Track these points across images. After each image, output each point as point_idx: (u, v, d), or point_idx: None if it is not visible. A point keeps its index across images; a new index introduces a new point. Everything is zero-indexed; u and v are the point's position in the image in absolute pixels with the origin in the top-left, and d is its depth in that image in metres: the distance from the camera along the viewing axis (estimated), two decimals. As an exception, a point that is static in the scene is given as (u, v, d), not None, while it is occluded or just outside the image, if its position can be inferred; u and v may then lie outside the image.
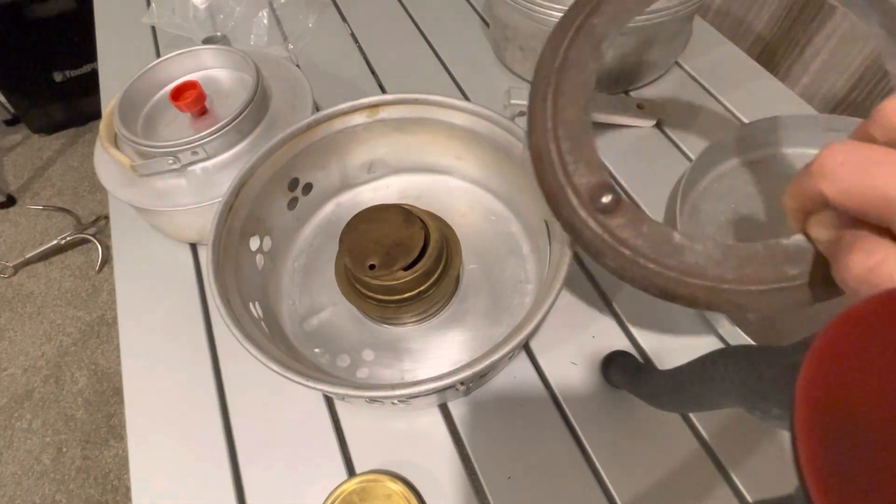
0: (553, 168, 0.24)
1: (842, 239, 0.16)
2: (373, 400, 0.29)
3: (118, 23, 0.61)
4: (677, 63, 0.52)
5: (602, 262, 0.23)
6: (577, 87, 0.25)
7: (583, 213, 0.23)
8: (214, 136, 0.36)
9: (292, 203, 0.35)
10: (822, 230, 0.17)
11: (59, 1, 1.34)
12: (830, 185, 0.15)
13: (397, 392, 0.24)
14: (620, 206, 0.23)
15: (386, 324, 0.35)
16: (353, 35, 0.58)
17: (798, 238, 0.20)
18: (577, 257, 0.31)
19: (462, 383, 0.25)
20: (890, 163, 0.14)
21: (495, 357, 0.24)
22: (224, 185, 0.32)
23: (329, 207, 0.39)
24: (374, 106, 0.35)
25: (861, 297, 0.14)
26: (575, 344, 0.35)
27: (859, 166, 0.15)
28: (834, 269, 0.16)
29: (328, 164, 0.35)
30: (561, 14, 0.43)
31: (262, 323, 0.31)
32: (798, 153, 0.41)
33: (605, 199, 0.23)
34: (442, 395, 0.33)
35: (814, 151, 0.41)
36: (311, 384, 0.25)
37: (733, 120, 0.47)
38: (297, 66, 0.55)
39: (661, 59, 0.49)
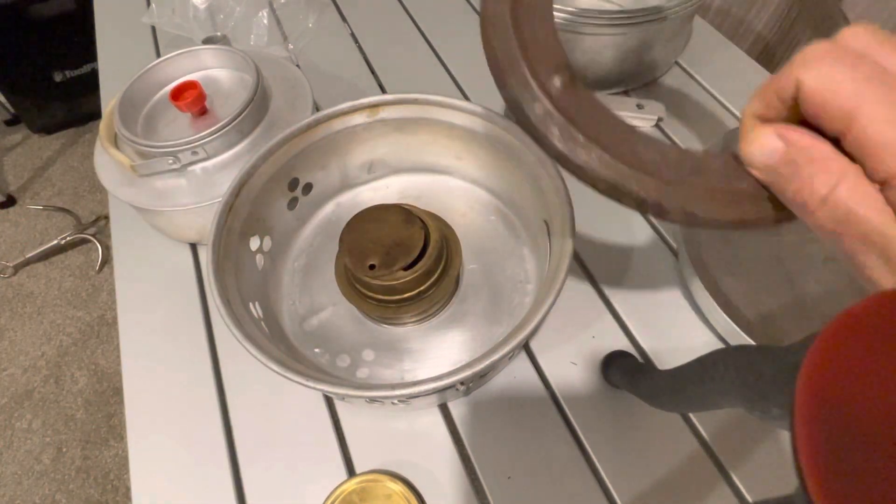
0: (506, 34, 0.21)
1: (794, 159, 0.17)
2: (373, 400, 0.29)
3: (118, 23, 0.61)
4: (677, 63, 0.52)
5: (549, 146, 0.20)
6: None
7: (534, 86, 0.21)
8: (214, 136, 0.36)
9: (292, 203, 0.35)
10: (775, 141, 0.17)
11: (59, 1, 1.34)
12: (808, 73, 0.16)
13: (397, 392, 0.24)
14: (577, 86, 0.21)
15: (386, 324, 0.35)
16: (353, 35, 0.58)
17: None
18: (577, 257, 0.31)
19: (462, 383, 0.25)
20: (871, 64, 0.15)
21: (495, 357, 0.24)
22: (224, 185, 0.32)
23: (329, 207, 0.39)
24: (374, 106, 0.35)
25: (815, 222, 0.16)
26: (575, 344, 0.35)
27: (843, 59, 0.16)
28: (787, 190, 0.17)
29: (328, 164, 0.35)
30: (561, 14, 0.43)
31: (262, 323, 0.31)
32: (798, 153, 0.41)
33: (560, 76, 0.21)
34: (442, 395, 0.33)
35: (814, 151, 0.41)
36: (311, 384, 0.25)
37: (733, 120, 0.47)
38: (297, 66, 0.55)
39: (661, 59, 0.49)
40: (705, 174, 0.20)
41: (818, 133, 0.17)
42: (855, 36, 0.17)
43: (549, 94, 0.21)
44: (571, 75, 0.21)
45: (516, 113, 0.21)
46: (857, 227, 0.16)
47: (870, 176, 0.16)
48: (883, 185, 0.16)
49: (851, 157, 0.16)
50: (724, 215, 0.19)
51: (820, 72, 0.16)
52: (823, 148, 0.16)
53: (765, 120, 0.18)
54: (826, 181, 0.16)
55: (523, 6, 0.22)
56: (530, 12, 0.22)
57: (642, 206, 0.20)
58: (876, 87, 0.15)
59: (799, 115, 0.18)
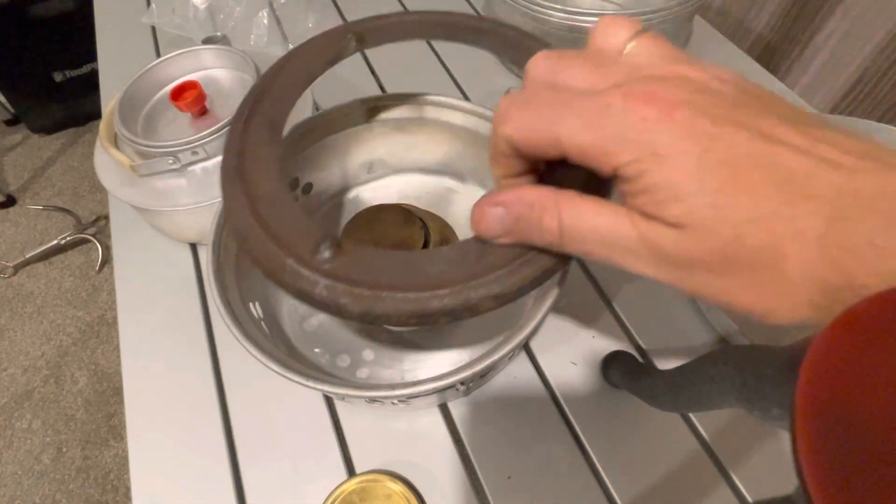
0: (264, 244, 0.23)
1: (520, 215, 0.19)
2: (373, 400, 0.29)
3: (118, 23, 0.61)
4: (677, 63, 0.52)
5: (347, 312, 0.21)
6: (263, 163, 0.25)
7: (307, 273, 0.22)
8: (214, 136, 0.36)
9: (292, 203, 0.35)
10: (495, 210, 0.20)
11: (59, 1, 1.34)
12: (507, 128, 0.19)
13: (397, 392, 0.24)
14: (342, 249, 0.22)
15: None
16: (353, 35, 0.58)
17: None
18: (576, 259, 0.31)
19: (462, 383, 0.25)
20: (549, 90, 0.18)
21: (495, 357, 0.24)
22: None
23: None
24: (374, 106, 0.35)
25: (576, 252, 0.19)
26: (575, 344, 0.35)
27: (526, 102, 0.18)
28: (533, 241, 0.20)
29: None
30: (561, 14, 0.43)
31: (262, 323, 0.31)
32: (798, 153, 0.41)
33: (325, 251, 0.22)
34: (442, 395, 0.33)
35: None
36: (311, 384, 0.25)
37: (733, 120, 0.47)
38: (297, 66, 0.54)
39: (661, 59, 0.49)
40: (491, 254, 0.22)
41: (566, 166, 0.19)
42: (536, 67, 0.19)
43: (322, 271, 0.22)
44: (333, 239, 0.22)
45: (305, 301, 0.22)
46: (594, 239, 0.18)
47: (603, 174, 0.18)
48: (617, 178, 0.17)
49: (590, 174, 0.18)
50: (523, 281, 0.21)
51: (514, 123, 0.18)
52: (533, 191, 0.19)
53: (515, 176, 0.21)
54: (551, 216, 0.18)
55: (258, 196, 0.24)
56: (266, 201, 0.24)
57: (455, 318, 0.21)
58: (560, 108, 0.18)
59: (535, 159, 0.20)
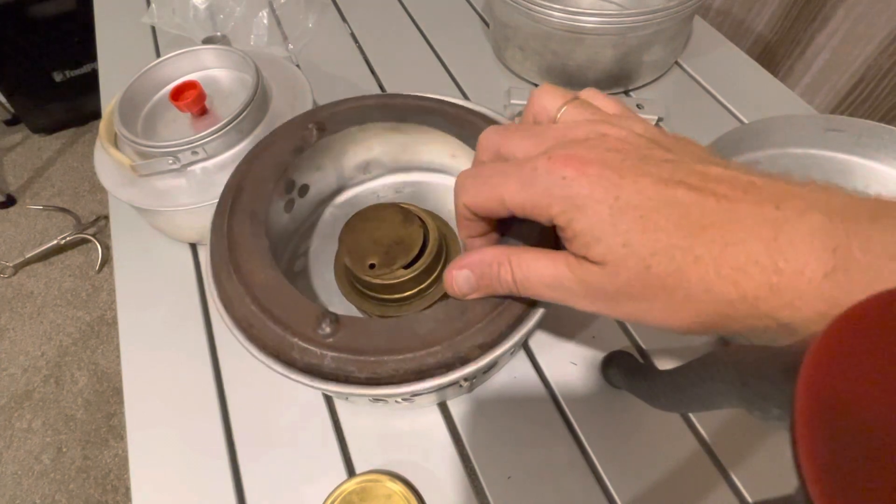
0: (268, 328, 0.25)
1: (482, 273, 0.24)
2: (376, 399, 0.29)
3: (118, 23, 0.61)
4: (677, 63, 0.52)
5: (354, 378, 0.24)
6: (253, 255, 0.27)
7: (313, 349, 0.24)
8: (214, 136, 0.36)
9: (289, 205, 0.35)
10: (461, 272, 0.24)
11: (59, 1, 1.34)
12: (465, 197, 0.23)
13: (401, 389, 0.24)
14: (341, 323, 0.25)
15: (386, 324, 0.35)
16: (353, 35, 0.58)
17: None
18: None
19: (465, 379, 0.26)
20: (494, 174, 0.22)
21: (498, 352, 0.24)
22: (224, 185, 0.32)
23: (326, 208, 0.39)
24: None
25: (529, 297, 0.23)
26: (575, 344, 0.35)
27: (477, 176, 0.23)
28: (499, 293, 0.24)
29: (324, 165, 0.35)
30: (561, 14, 0.43)
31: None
32: (798, 153, 0.41)
33: (326, 326, 0.25)
34: (443, 394, 0.33)
35: (814, 151, 0.41)
36: (312, 383, 0.24)
37: (733, 120, 0.47)
38: (297, 66, 0.55)
39: (661, 59, 0.49)
40: (470, 310, 0.25)
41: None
42: (486, 139, 0.24)
43: (326, 345, 0.24)
44: (332, 315, 0.25)
45: (315, 374, 0.24)
46: (542, 284, 0.22)
47: (546, 224, 0.21)
48: (555, 227, 0.21)
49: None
50: (501, 329, 0.24)
51: (469, 192, 0.23)
52: (489, 251, 0.23)
53: (478, 236, 0.25)
54: (505, 269, 0.22)
55: (255, 284, 0.26)
56: (263, 288, 0.26)
57: (448, 366, 0.24)
58: (502, 176, 0.21)
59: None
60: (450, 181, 0.39)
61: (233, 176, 0.31)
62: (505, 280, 0.23)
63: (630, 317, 0.20)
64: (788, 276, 0.16)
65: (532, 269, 0.22)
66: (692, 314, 0.18)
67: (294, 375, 0.25)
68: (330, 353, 0.24)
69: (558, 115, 0.23)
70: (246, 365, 0.35)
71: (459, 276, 0.24)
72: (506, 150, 0.23)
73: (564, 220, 0.20)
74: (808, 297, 0.16)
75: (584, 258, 0.20)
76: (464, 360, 0.24)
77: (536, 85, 0.51)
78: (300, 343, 0.25)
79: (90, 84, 1.47)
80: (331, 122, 0.33)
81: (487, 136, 0.24)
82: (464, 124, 0.32)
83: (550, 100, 0.24)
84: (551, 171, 0.20)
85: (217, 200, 0.31)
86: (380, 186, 0.40)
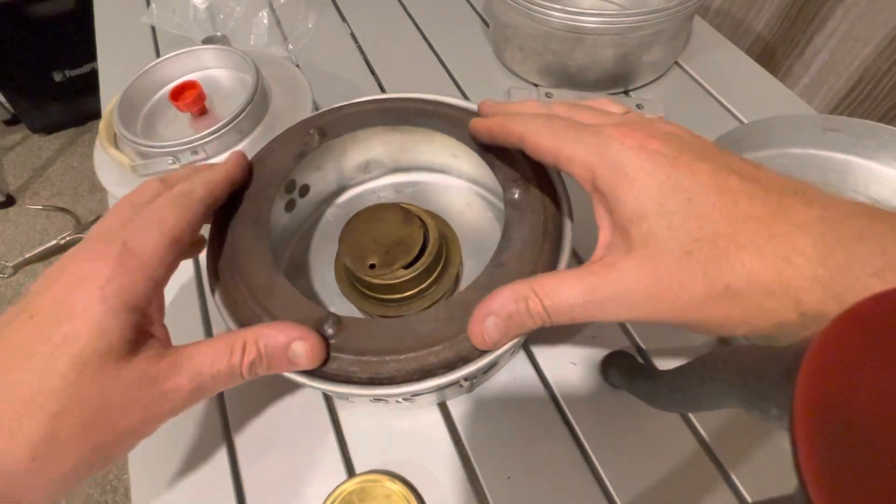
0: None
1: (509, 315, 0.23)
2: (377, 399, 0.29)
3: (118, 23, 0.61)
4: (677, 63, 0.52)
5: (357, 379, 0.24)
6: (256, 257, 0.27)
7: None
8: (214, 136, 0.36)
9: (290, 205, 0.35)
10: (492, 327, 0.23)
11: (59, 1, 1.34)
12: (524, 126, 0.24)
13: (402, 389, 0.24)
14: (343, 324, 0.25)
15: (386, 324, 0.35)
16: (353, 35, 0.58)
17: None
18: (575, 255, 0.31)
19: (466, 379, 0.26)
20: (558, 121, 0.23)
21: (499, 351, 0.24)
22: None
23: (326, 208, 0.39)
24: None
25: (562, 323, 0.22)
26: (575, 344, 0.35)
27: (541, 118, 0.24)
28: (534, 326, 0.23)
29: (324, 165, 0.35)
30: (561, 14, 0.43)
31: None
32: (798, 153, 0.41)
33: (329, 328, 0.25)
34: (443, 394, 0.33)
35: (813, 151, 0.41)
36: (313, 383, 0.25)
37: (733, 120, 0.47)
38: (297, 66, 0.55)
39: (661, 59, 0.49)
40: (472, 309, 0.24)
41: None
42: (559, 103, 0.26)
43: (329, 346, 0.25)
44: (334, 317, 0.25)
45: (318, 375, 0.25)
46: (573, 306, 0.21)
47: (584, 187, 0.22)
48: (595, 193, 0.21)
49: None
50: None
51: (528, 125, 0.24)
52: (508, 290, 0.22)
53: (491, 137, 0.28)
54: (534, 302, 0.21)
55: (257, 286, 0.26)
56: (266, 290, 0.26)
57: (450, 365, 0.24)
58: (566, 127, 0.22)
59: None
60: (450, 181, 0.39)
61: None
62: (536, 313, 0.21)
63: (665, 315, 0.19)
64: (834, 270, 0.16)
65: (560, 291, 0.21)
66: (729, 306, 0.18)
67: (296, 376, 0.25)
68: (332, 355, 0.24)
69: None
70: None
71: (488, 325, 0.23)
72: (576, 116, 0.24)
73: (608, 185, 0.20)
74: (855, 291, 0.16)
75: (626, 236, 0.19)
76: (465, 359, 0.24)
77: (536, 85, 0.51)
78: None
79: (90, 84, 1.47)
80: (332, 127, 0.33)
81: (559, 102, 0.26)
82: (465, 126, 0.32)
83: (615, 106, 0.25)
84: (613, 136, 0.20)
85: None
86: (380, 186, 0.40)
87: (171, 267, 0.24)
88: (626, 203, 0.19)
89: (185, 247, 0.24)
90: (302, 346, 0.23)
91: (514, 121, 0.25)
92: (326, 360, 0.24)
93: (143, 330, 0.22)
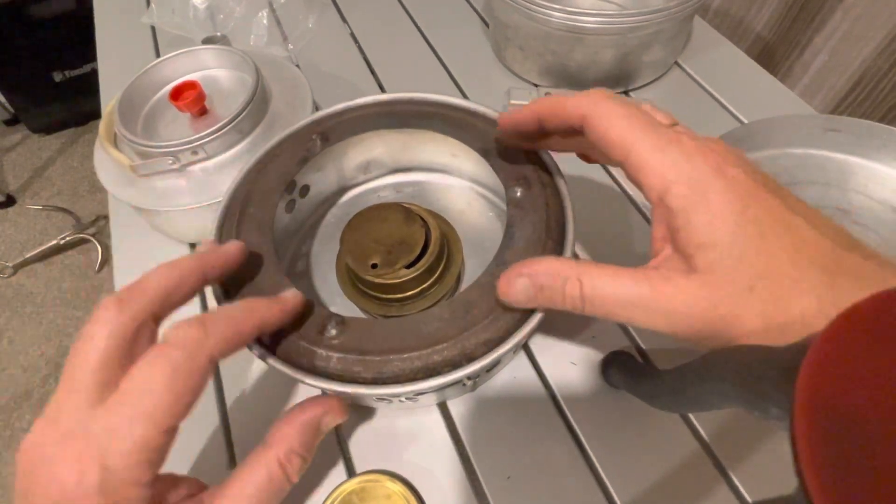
0: (276, 330, 0.25)
1: (543, 284, 0.22)
2: (380, 398, 0.29)
3: (118, 23, 0.61)
4: (677, 63, 0.52)
5: (361, 378, 0.24)
6: (261, 265, 0.28)
7: (319, 350, 0.24)
8: (214, 136, 0.36)
9: (290, 205, 0.35)
10: (521, 289, 0.23)
11: (59, 1, 1.34)
12: (600, 108, 0.22)
13: (406, 388, 0.24)
14: (346, 324, 0.25)
15: (386, 323, 0.35)
16: (353, 35, 0.58)
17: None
18: (575, 256, 0.31)
19: (469, 378, 0.26)
20: (639, 114, 0.22)
21: (502, 350, 0.24)
22: (224, 185, 0.32)
23: (327, 209, 0.39)
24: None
25: (593, 314, 0.21)
26: (575, 344, 0.35)
27: (626, 107, 0.22)
28: (560, 306, 0.22)
29: (325, 165, 0.35)
30: (560, 14, 0.43)
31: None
32: (798, 153, 0.41)
33: (332, 328, 0.25)
34: (444, 393, 0.33)
35: (814, 151, 0.41)
36: (314, 382, 0.25)
37: (733, 120, 0.47)
38: (297, 66, 0.55)
39: (661, 59, 0.49)
40: (475, 306, 0.25)
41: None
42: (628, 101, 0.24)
43: (332, 346, 0.25)
44: (338, 317, 0.25)
45: (321, 375, 0.24)
46: (615, 302, 0.20)
47: (647, 195, 0.21)
48: (659, 207, 0.20)
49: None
50: (507, 326, 0.24)
51: (606, 109, 0.22)
52: (556, 262, 0.22)
53: (521, 131, 0.27)
54: (573, 285, 0.21)
55: (263, 290, 0.26)
56: (271, 294, 0.26)
57: (454, 364, 0.24)
58: (645, 126, 0.21)
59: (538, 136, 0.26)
60: (451, 180, 0.39)
61: (240, 184, 0.32)
62: (571, 296, 0.21)
63: (707, 340, 0.19)
64: None
65: (606, 286, 0.20)
66: (775, 340, 0.17)
67: (299, 376, 0.25)
68: (336, 355, 0.24)
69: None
70: (246, 364, 0.35)
71: (518, 283, 0.22)
72: (651, 113, 0.23)
73: (680, 204, 0.19)
74: None
75: (687, 256, 0.19)
76: (469, 358, 0.24)
77: (537, 85, 0.51)
78: (306, 345, 0.25)
79: (90, 84, 1.47)
80: (335, 132, 0.33)
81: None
82: (466, 127, 0.32)
83: (661, 116, 0.24)
84: (695, 151, 0.19)
85: (216, 200, 0.31)
86: (380, 186, 0.40)
87: (171, 444, 0.20)
88: (698, 226, 0.19)
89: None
90: (330, 418, 0.24)
91: (573, 99, 0.23)
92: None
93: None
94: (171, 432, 0.19)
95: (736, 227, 0.18)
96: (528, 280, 0.22)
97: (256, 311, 0.23)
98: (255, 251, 0.28)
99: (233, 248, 0.26)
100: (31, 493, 0.18)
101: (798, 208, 0.19)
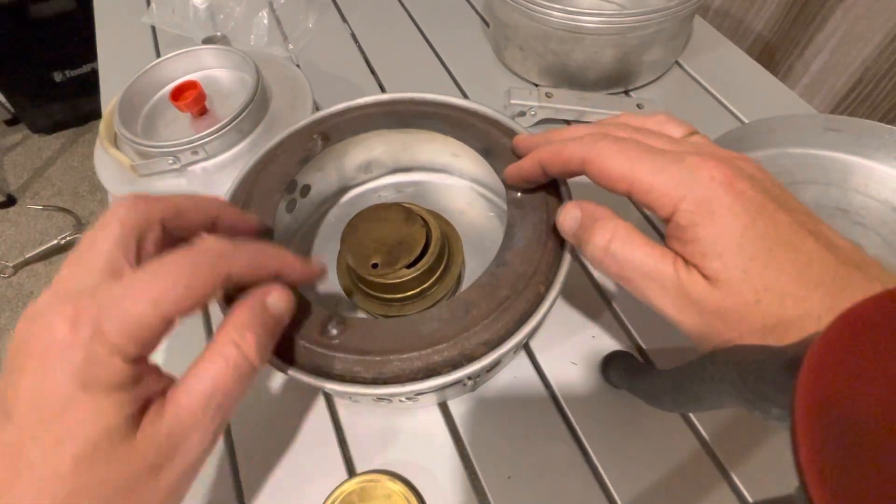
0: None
1: (584, 223, 0.23)
2: (380, 398, 0.29)
3: (118, 23, 0.61)
4: (677, 63, 0.52)
5: (361, 378, 0.24)
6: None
7: (321, 350, 0.25)
8: (214, 136, 0.36)
9: (291, 205, 0.35)
10: (571, 219, 0.24)
11: (59, 1, 1.34)
12: (592, 152, 0.23)
13: (406, 388, 0.24)
14: (347, 324, 0.25)
15: (387, 323, 0.35)
16: (353, 35, 0.58)
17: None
18: (576, 255, 0.31)
19: (470, 378, 0.26)
20: (632, 146, 0.22)
21: (503, 350, 0.24)
22: (224, 184, 0.32)
23: (328, 208, 0.39)
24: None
25: (606, 270, 0.23)
26: (575, 344, 0.35)
27: (616, 144, 0.22)
28: (585, 248, 0.23)
29: (325, 165, 0.35)
30: (561, 14, 0.43)
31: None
32: (798, 153, 0.41)
33: (333, 329, 0.25)
34: (444, 393, 0.33)
35: (814, 151, 0.41)
36: (314, 382, 0.25)
37: (733, 120, 0.47)
38: (297, 66, 0.55)
39: (661, 59, 0.49)
40: (474, 307, 0.25)
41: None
42: (625, 117, 0.25)
43: (333, 346, 0.25)
44: (338, 317, 0.25)
45: (323, 375, 0.24)
46: (635, 268, 0.21)
47: (659, 215, 0.21)
48: (671, 223, 0.21)
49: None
50: (506, 326, 0.25)
51: (597, 152, 0.22)
52: (604, 212, 0.23)
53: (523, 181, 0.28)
54: (603, 235, 0.22)
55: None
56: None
57: (455, 364, 0.24)
58: (641, 153, 0.21)
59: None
60: (451, 180, 0.39)
61: (241, 184, 0.32)
62: (595, 242, 0.22)
63: (704, 335, 0.20)
64: None
65: (634, 251, 0.21)
66: (776, 341, 0.18)
67: (300, 376, 0.25)
68: (337, 355, 0.24)
69: (687, 139, 0.24)
70: (246, 365, 0.35)
71: (571, 213, 0.24)
72: (646, 139, 0.23)
73: (688, 220, 0.20)
74: None
75: (695, 266, 0.20)
76: (469, 358, 0.24)
77: (537, 85, 0.51)
78: (307, 345, 0.25)
79: (90, 84, 1.47)
80: (335, 131, 0.33)
81: (625, 116, 0.25)
82: (466, 127, 0.32)
83: (676, 127, 0.24)
84: (700, 167, 0.20)
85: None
86: (381, 186, 0.40)
87: (165, 334, 0.20)
88: (704, 238, 0.19)
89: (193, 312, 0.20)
90: (274, 298, 0.22)
91: (569, 145, 0.24)
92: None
93: (140, 387, 0.19)
94: (169, 322, 0.19)
95: (743, 240, 0.19)
96: (580, 213, 0.23)
97: (282, 256, 0.24)
98: None
99: (250, 215, 0.28)
100: (25, 343, 0.18)
101: (808, 224, 0.19)
